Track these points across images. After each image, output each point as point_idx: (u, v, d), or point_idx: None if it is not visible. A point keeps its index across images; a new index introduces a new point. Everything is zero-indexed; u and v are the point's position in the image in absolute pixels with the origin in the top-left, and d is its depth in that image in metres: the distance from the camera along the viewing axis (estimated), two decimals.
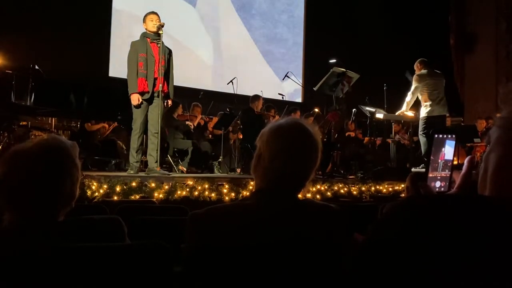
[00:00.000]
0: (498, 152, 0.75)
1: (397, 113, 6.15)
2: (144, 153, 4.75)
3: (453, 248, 0.63)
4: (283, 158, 1.18)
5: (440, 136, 1.02)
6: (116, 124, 6.36)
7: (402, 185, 4.88)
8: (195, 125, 6.80)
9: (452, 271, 0.62)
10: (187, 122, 6.44)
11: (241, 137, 6.74)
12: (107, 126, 6.37)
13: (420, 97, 5.84)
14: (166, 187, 3.67)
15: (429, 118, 5.77)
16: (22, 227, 1.14)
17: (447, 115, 6.21)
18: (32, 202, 1.16)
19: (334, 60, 7.30)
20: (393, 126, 7.38)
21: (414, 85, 5.81)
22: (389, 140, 7.12)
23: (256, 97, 6.58)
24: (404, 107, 5.99)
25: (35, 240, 1.12)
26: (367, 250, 0.71)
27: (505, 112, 0.75)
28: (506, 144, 0.74)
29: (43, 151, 1.19)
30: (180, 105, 6.46)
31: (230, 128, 6.86)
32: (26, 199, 1.15)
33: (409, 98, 5.87)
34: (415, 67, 5.99)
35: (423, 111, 5.84)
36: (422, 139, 5.88)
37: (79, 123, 6.32)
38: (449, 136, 1.03)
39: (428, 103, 5.77)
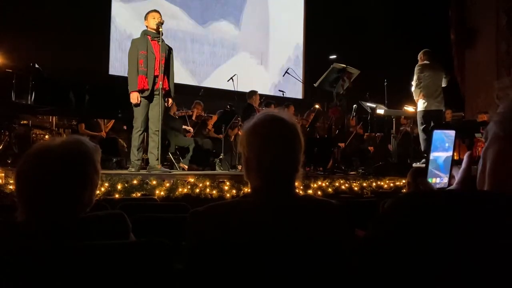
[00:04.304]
0: (495, 147, 0.75)
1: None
2: (145, 151, 4.75)
3: (453, 243, 0.63)
4: (268, 152, 1.19)
5: (440, 132, 1.02)
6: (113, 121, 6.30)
7: (403, 181, 4.87)
8: (194, 118, 6.80)
9: (452, 266, 0.62)
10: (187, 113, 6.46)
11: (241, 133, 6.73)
12: (104, 134, 6.16)
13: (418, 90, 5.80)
14: (167, 184, 3.66)
15: (426, 113, 5.74)
16: (32, 225, 1.14)
17: (444, 110, 6.15)
18: (48, 206, 1.15)
19: (334, 56, 7.29)
20: (399, 120, 7.31)
21: (416, 75, 5.79)
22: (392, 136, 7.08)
23: (253, 92, 6.74)
24: (415, 96, 5.91)
25: (44, 238, 1.12)
26: (368, 245, 0.72)
27: (501, 108, 0.75)
28: (503, 139, 0.74)
29: (66, 157, 1.17)
30: (174, 103, 6.41)
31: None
32: (42, 203, 1.14)
33: (413, 88, 5.83)
34: (418, 58, 5.96)
35: (420, 105, 5.82)
36: (421, 136, 5.85)
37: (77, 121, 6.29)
38: (449, 132, 1.03)
39: (425, 97, 5.73)
